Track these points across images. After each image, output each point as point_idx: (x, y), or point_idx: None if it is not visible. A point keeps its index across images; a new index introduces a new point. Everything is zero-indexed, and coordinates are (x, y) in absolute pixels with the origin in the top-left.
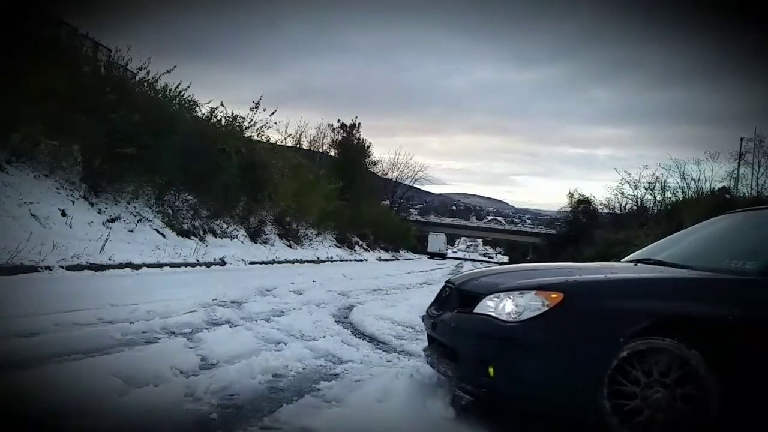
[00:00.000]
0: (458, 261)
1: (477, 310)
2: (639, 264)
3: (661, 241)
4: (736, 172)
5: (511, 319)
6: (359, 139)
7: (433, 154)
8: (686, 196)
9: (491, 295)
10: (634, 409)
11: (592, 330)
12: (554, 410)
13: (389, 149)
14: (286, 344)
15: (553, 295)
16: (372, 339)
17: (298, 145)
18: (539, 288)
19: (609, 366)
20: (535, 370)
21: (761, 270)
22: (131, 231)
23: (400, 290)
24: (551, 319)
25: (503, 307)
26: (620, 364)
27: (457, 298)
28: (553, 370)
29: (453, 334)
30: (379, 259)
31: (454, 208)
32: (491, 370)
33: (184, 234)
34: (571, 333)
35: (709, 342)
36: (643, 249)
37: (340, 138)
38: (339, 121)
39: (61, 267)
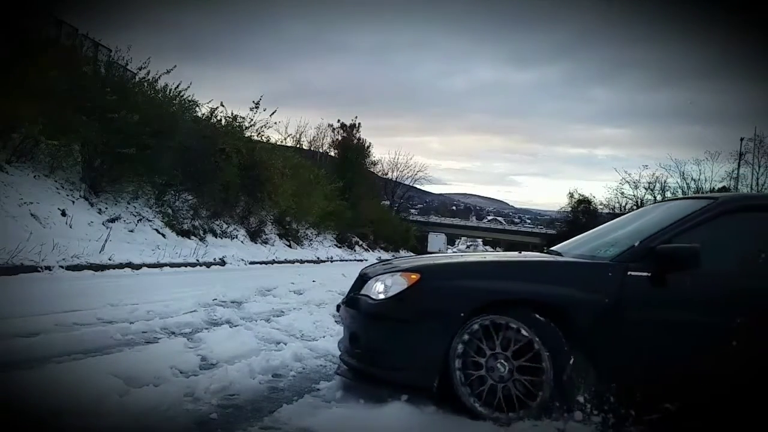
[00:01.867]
0: None
1: (362, 291)
2: (542, 253)
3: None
4: (736, 172)
5: (379, 298)
6: (359, 139)
7: (433, 154)
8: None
9: (372, 278)
10: (480, 379)
11: (438, 306)
12: (405, 379)
13: (389, 149)
14: (286, 344)
15: (412, 276)
16: None
17: (298, 145)
18: (403, 270)
19: (453, 339)
20: (391, 341)
21: (612, 257)
22: (131, 231)
23: None
24: (407, 297)
25: (375, 287)
26: (470, 338)
27: (358, 284)
28: (405, 341)
29: (343, 313)
30: (380, 260)
31: (454, 208)
32: (361, 343)
33: (184, 234)
34: (421, 308)
35: (546, 319)
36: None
37: (340, 138)
38: (339, 121)
39: (61, 267)
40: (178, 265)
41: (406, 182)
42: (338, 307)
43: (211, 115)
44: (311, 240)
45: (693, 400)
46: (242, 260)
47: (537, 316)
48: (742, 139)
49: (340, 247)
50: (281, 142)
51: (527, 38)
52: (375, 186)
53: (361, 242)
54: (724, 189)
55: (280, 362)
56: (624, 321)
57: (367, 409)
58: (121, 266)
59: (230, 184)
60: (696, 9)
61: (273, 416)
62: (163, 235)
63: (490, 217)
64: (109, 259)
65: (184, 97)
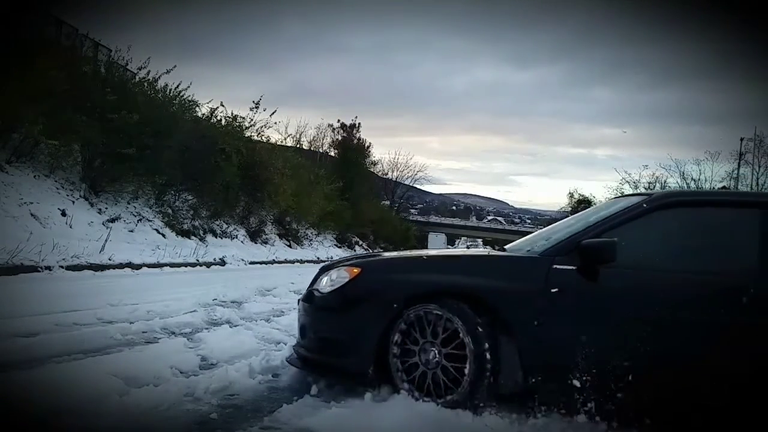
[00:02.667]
0: None
1: (314, 285)
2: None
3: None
4: (736, 172)
5: (325, 291)
6: (359, 139)
7: (433, 154)
8: None
9: (324, 273)
10: (413, 365)
11: (374, 297)
12: (345, 365)
13: (389, 149)
14: (286, 344)
15: (354, 270)
16: None
17: (298, 145)
18: (347, 265)
19: (388, 328)
20: (333, 330)
21: (541, 251)
22: (131, 231)
23: None
24: (348, 289)
25: (323, 281)
26: (407, 327)
27: (314, 279)
28: (344, 330)
29: (299, 307)
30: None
31: (454, 208)
32: (309, 333)
33: (184, 234)
34: (359, 300)
35: (471, 309)
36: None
37: (340, 138)
38: (339, 121)
39: (61, 267)
40: (178, 265)
41: (406, 182)
42: (299, 302)
43: (211, 115)
44: (311, 240)
45: (612, 388)
46: (242, 260)
47: (462, 306)
48: (742, 139)
49: (340, 247)
50: (281, 142)
51: (527, 38)
52: (375, 186)
53: (361, 242)
54: (724, 189)
55: (280, 362)
56: (548, 311)
57: (367, 409)
58: (121, 266)
59: (230, 184)
60: (696, 9)
61: (273, 416)
62: (163, 235)
63: (490, 217)
64: (109, 259)
65: (184, 97)
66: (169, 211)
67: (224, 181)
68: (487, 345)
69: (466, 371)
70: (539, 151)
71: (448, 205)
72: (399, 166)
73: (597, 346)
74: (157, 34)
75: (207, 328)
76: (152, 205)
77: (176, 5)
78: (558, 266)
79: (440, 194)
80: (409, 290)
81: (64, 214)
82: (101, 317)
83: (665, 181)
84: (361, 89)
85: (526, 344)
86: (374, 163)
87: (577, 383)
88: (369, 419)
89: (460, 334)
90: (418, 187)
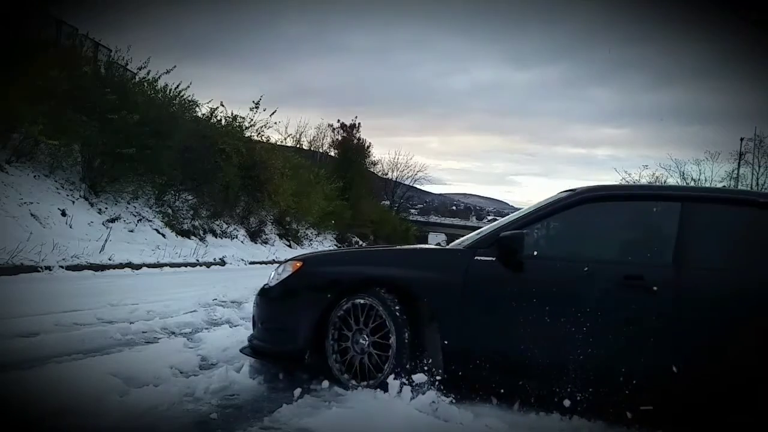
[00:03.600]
0: None
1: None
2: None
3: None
4: (736, 172)
5: (272, 284)
6: (359, 139)
7: (433, 154)
8: None
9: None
10: (346, 351)
11: (311, 288)
12: (285, 352)
13: (389, 149)
14: None
15: (297, 264)
16: None
17: (298, 145)
18: (292, 259)
19: (323, 316)
20: (276, 319)
21: (466, 245)
22: (131, 231)
23: None
24: (290, 281)
25: (272, 275)
26: (343, 314)
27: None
28: (285, 319)
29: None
30: None
31: (454, 208)
32: (258, 323)
33: (184, 234)
34: (298, 291)
35: (395, 298)
36: None
37: (340, 138)
38: (339, 121)
39: (61, 267)
40: (178, 265)
41: (406, 182)
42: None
43: (211, 115)
44: (311, 240)
45: (527, 377)
46: (242, 260)
47: (386, 295)
48: (742, 139)
49: (340, 247)
50: (281, 142)
51: (527, 38)
52: (375, 186)
53: (361, 242)
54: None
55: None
56: (469, 300)
57: (368, 409)
58: (121, 266)
59: (230, 184)
60: (696, 9)
61: (273, 416)
62: (163, 235)
63: (490, 217)
64: (109, 259)
65: (184, 97)
66: (169, 211)
67: (224, 181)
68: (408, 332)
69: (388, 357)
70: (539, 151)
71: (448, 205)
72: (399, 166)
73: (513, 332)
74: (157, 34)
75: (207, 328)
76: (152, 205)
77: (176, 5)
78: (479, 258)
79: (440, 194)
80: (340, 281)
81: (64, 214)
82: (101, 317)
83: (665, 181)
84: (361, 89)
85: (447, 331)
86: (374, 163)
87: (493, 368)
88: (369, 419)
89: (386, 323)
90: (418, 187)
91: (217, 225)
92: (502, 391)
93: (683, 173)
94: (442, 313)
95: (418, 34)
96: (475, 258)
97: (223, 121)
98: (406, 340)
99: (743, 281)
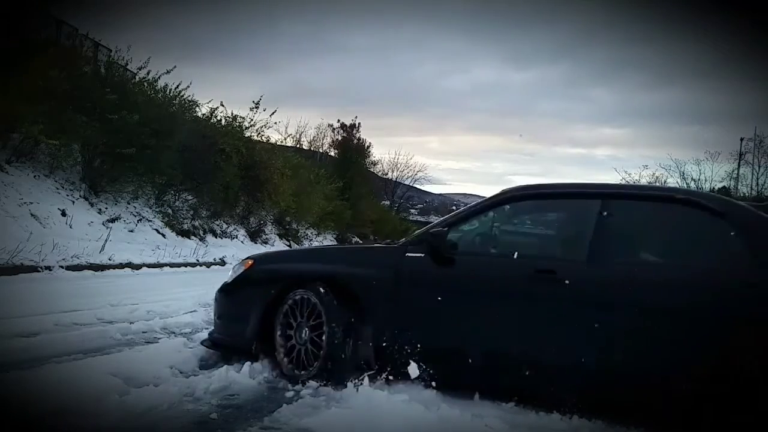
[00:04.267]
0: None
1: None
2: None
3: None
4: (736, 172)
5: (228, 281)
6: (359, 139)
7: (433, 154)
8: None
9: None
10: (290, 343)
11: (257, 284)
12: (236, 343)
13: (389, 149)
14: None
15: (249, 262)
16: None
17: (298, 145)
18: (246, 258)
19: (269, 310)
20: (229, 313)
21: (401, 243)
22: (131, 231)
23: None
24: (241, 278)
25: (230, 273)
26: (289, 308)
27: None
28: (236, 313)
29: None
30: None
31: (454, 207)
32: (215, 317)
33: (184, 234)
34: (247, 287)
35: (330, 292)
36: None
37: (340, 138)
38: (339, 121)
39: (61, 267)
40: (178, 265)
41: (406, 182)
42: None
43: (211, 115)
44: (311, 240)
45: (456, 365)
46: None
47: (322, 290)
48: (742, 139)
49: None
50: (281, 142)
51: (527, 38)
52: (375, 186)
53: (361, 242)
54: (724, 189)
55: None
56: (400, 294)
57: (368, 409)
58: (121, 266)
59: (230, 184)
60: (696, 9)
61: (273, 416)
62: (163, 235)
63: None
64: (109, 259)
65: (184, 97)
66: (169, 211)
67: (224, 181)
68: (341, 325)
69: (323, 347)
70: (539, 151)
71: (448, 205)
72: (399, 166)
73: (440, 323)
74: (157, 34)
75: (207, 328)
76: (152, 205)
77: (176, 5)
78: (410, 254)
79: (440, 194)
80: (284, 278)
81: (64, 214)
82: (101, 317)
83: (665, 181)
84: (361, 89)
85: (379, 323)
86: (374, 163)
87: (422, 357)
88: (369, 419)
89: (323, 315)
90: (418, 187)
91: (217, 225)
92: (432, 379)
93: (683, 173)
94: (374, 306)
95: (418, 34)
96: (407, 255)
97: (223, 121)
98: (339, 333)
99: (655, 274)
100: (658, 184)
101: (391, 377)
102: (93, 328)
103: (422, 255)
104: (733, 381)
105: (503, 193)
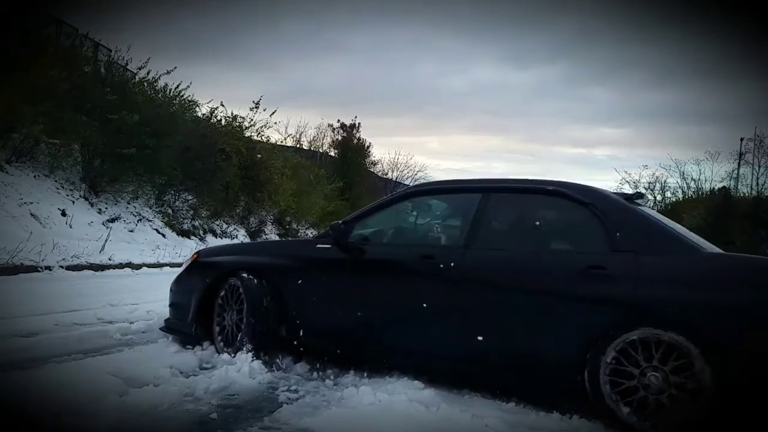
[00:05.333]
0: None
1: None
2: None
3: None
4: (736, 172)
5: (180, 272)
6: (359, 139)
7: (433, 154)
8: (686, 196)
9: None
10: (224, 326)
11: (196, 274)
12: (181, 327)
13: (389, 149)
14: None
15: (195, 255)
16: None
17: (298, 145)
18: (195, 252)
19: (207, 297)
20: (176, 302)
21: (315, 236)
22: (131, 231)
23: None
24: (186, 269)
25: (183, 266)
26: (224, 294)
27: None
28: (181, 300)
29: None
30: None
31: None
32: (169, 304)
33: (184, 234)
34: (191, 277)
35: (253, 280)
36: None
37: (340, 138)
38: (339, 121)
39: (61, 267)
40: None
41: (406, 182)
42: None
43: (211, 115)
44: None
45: (361, 344)
46: None
47: (246, 277)
48: (742, 139)
49: None
50: (281, 142)
51: (526, 37)
52: (375, 186)
53: None
54: (724, 189)
55: (282, 361)
56: (311, 279)
57: (368, 410)
58: (121, 266)
59: (230, 184)
60: (696, 9)
61: (273, 416)
62: (163, 235)
63: None
64: (109, 259)
65: (184, 97)
66: (169, 211)
67: (224, 181)
68: (259, 306)
69: (239, 328)
70: (539, 151)
71: None
72: (399, 166)
73: (345, 306)
74: (157, 34)
75: None
76: (152, 205)
77: (176, 5)
78: (320, 245)
79: None
80: (218, 268)
81: (64, 214)
82: (101, 317)
83: (665, 181)
84: (361, 89)
85: (293, 307)
86: (374, 163)
87: (332, 337)
88: (369, 419)
89: (264, 301)
90: None
91: (217, 225)
92: (340, 356)
93: (683, 173)
94: (289, 291)
95: (418, 34)
96: (317, 246)
97: (223, 121)
98: (256, 315)
99: (520, 259)
100: (658, 184)
101: (302, 349)
102: (93, 328)
103: (329, 246)
104: (584, 352)
105: (404, 189)
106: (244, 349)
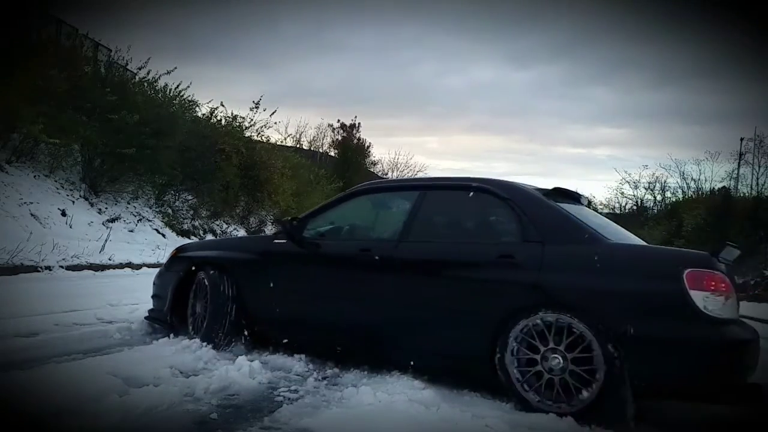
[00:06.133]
0: None
1: None
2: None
3: None
4: (736, 172)
5: (162, 266)
6: (359, 139)
7: (433, 154)
8: (686, 196)
9: None
10: (195, 315)
11: (172, 268)
12: (159, 315)
13: (389, 149)
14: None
15: (174, 251)
16: None
17: (298, 145)
18: (175, 248)
19: (180, 288)
20: (156, 292)
21: (273, 232)
22: (131, 231)
23: None
24: (167, 264)
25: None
26: (195, 287)
27: None
28: (160, 291)
29: None
30: None
31: None
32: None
33: (184, 234)
34: (168, 270)
35: (216, 273)
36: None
37: (340, 138)
38: (339, 121)
39: (61, 267)
40: None
41: None
42: None
43: (211, 115)
44: None
45: (311, 331)
46: None
47: (210, 271)
48: (742, 139)
49: None
50: (281, 142)
51: (526, 37)
52: None
53: None
54: (724, 189)
55: (282, 362)
56: (268, 270)
57: (368, 410)
58: (121, 266)
59: (230, 184)
60: (696, 9)
61: (273, 416)
62: (163, 235)
63: None
64: (109, 259)
65: (184, 97)
66: (169, 211)
67: (224, 181)
68: (220, 297)
69: (205, 317)
70: (539, 151)
71: None
72: (399, 166)
73: (298, 296)
74: (157, 33)
75: None
76: (152, 205)
77: (176, 5)
78: (276, 241)
79: None
80: (190, 263)
81: (64, 214)
82: (101, 317)
83: (665, 181)
84: (361, 89)
85: (247, 297)
86: (374, 163)
87: (276, 324)
88: (369, 419)
89: (225, 291)
90: None
91: (217, 225)
92: (295, 344)
93: (683, 173)
94: (246, 284)
95: (418, 34)
96: (274, 241)
97: (223, 121)
98: (218, 303)
99: (444, 249)
100: (658, 184)
101: (262, 343)
102: (93, 328)
103: (285, 241)
104: (495, 336)
105: (352, 189)
106: (209, 335)
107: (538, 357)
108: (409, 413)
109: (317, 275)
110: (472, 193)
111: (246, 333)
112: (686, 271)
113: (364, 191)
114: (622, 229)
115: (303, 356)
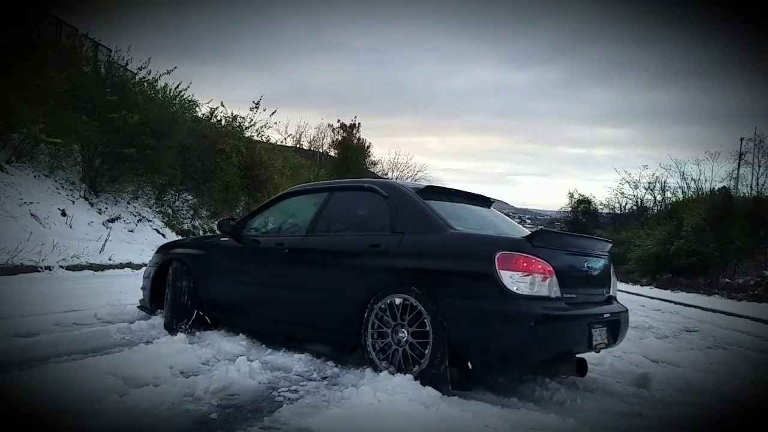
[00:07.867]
0: None
1: None
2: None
3: None
4: (736, 172)
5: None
6: (359, 139)
7: (433, 154)
8: (686, 196)
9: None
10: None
11: (152, 264)
12: (144, 305)
13: (389, 149)
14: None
15: (157, 250)
16: None
17: (298, 145)
18: (158, 246)
19: (159, 278)
20: (144, 285)
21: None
22: (131, 231)
23: None
24: (151, 260)
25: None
26: (168, 279)
27: None
28: (146, 285)
29: None
30: None
31: None
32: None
33: (185, 234)
34: (150, 264)
35: (180, 266)
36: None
37: (340, 138)
38: (339, 121)
39: (61, 267)
40: None
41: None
42: None
43: (211, 115)
44: None
45: (251, 316)
46: None
47: (174, 265)
48: (742, 139)
49: None
50: (281, 142)
51: (526, 38)
52: None
53: None
54: (724, 189)
55: (282, 362)
56: (214, 264)
57: (368, 410)
58: (121, 266)
59: (230, 184)
60: (695, 8)
61: (273, 416)
62: (163, 235)
63: None
64: (109, 259)
65: (184, 97)
66: (169, 211)
67: (224, 181)
68: (179, 287)
69: (167, 304)
70: (539, 151)
71: None
72: (399, 165)
73: (238, 285)
74: (157, 33)
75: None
76: (152, 205)
77: (176, 5)
78: (222, 238)
79: None
80: (163, 257)
81: (64, 214)
82: (101, 317)
83: (665, 181)
84: (360, 89)
85: (203, 288)
86: (374, 163)
87: (232, 311)
88: (369, 419)
89: (185, 281)
90: None
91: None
92: (240, 327)
93: (683, 173)
94: (199, 275)
95: (418, 34)
96: (221, 239)
97: (223, 121)
98: (178, 292)
99: (335, 241)
100: (658, 184)
101: (209, 320)
102: (93, 328)
103: (228, 238)
104: (362, 314)
105: (280, 193)
106: (170, 318)
107: (389, 331)
108: (409, 413)
109: (248, 267)
110: (363, 192)
111: (197, 317)
112: (497, 254)
113: (290, 194)
114: (512, 225)
115: (303, 356)
